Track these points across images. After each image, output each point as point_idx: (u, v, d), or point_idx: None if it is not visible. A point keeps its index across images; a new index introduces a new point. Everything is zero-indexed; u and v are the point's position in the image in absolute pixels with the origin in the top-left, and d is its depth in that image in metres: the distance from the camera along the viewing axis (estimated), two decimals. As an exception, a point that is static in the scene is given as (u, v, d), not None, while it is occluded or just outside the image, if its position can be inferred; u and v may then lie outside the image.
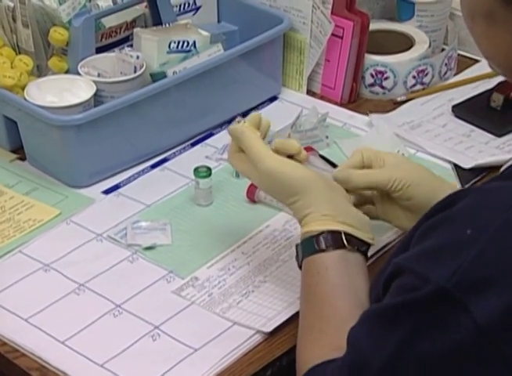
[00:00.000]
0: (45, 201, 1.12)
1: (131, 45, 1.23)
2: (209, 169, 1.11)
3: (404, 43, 1.32)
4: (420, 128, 1.24)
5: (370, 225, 0.92)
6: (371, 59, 1.29)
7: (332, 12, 1.27)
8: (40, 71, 1.22)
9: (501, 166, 1.14)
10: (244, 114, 1.26)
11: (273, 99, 1.30)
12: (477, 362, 0.69)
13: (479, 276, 0.68)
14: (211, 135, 1.24)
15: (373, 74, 1.30)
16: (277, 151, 0.94)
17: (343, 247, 0.88)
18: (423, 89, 1.31)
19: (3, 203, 1.12)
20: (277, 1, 1.30)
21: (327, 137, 1.20)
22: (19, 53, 1.21)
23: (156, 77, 1.19)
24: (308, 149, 1.14)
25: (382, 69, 1.29)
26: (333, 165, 1.04)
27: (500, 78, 1.31)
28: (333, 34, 1.27)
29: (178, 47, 1.20)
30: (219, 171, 1.16)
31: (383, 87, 1.30)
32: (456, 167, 1.16)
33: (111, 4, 1.21)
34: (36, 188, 1.14)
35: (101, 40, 1.23)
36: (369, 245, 0.90)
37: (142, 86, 1.17)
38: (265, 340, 0.93)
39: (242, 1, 1.33)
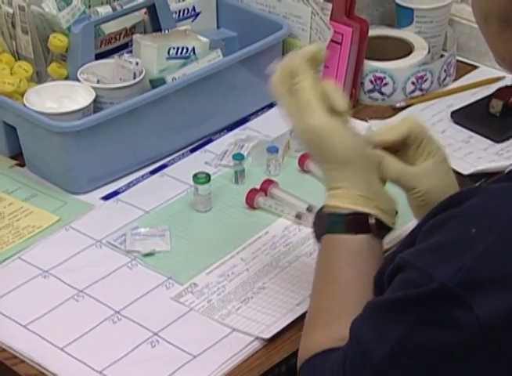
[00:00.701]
0: (45, 207, 1.12)
1: (131, 52, 1.23)
2: (208, 175, 1.11)
3: (403, 49, 1.32)
4: (419, 134, 1.24)
5: (395, 208, 0.88)
6: (370, 65, 1.29)
7: (331, 19, 1.27)
8: (39, 77, 1.22)
9: (500, 172, 1.15)
10: (244, 120, 1.26)
11: (272, 105, 1.30)
12: (477, 360, 0.69)
13: (483, 275, 0.68)
14: (210, 141, 1.24)
15: (373, 80, 1.30)
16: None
17: (369, 231, 0.85)
18: (423, 95, 1.31)
19: (2, 209, 1.12)
20: (276, 8, 1.30)
21: (326, 143, 1.20)
22: (19, 59, 1.21)
23: (155, 83, 1.19)
24: (308, 156, 1.14)
25: (381, 75, 1.29)
26: None
27: (499, 84, 1.31)
28: (332, 41, 1.27)
29: (177, 53, 1.21)
30: (218, 178, 1.16)
31: (382, 93, 1.30)
32: (455, 173, 1.15)
33: (110, 10, 1.21)
34: (35, 194, 1.14)
35: (100, 46, 1.23)
36: (389, 230, 0.88)
37: (141, 92, 1.17)
38: (264, 346, 0.93)
39: (241, 8, 1.33)
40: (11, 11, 1.19)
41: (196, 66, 1.20)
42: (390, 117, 1.28)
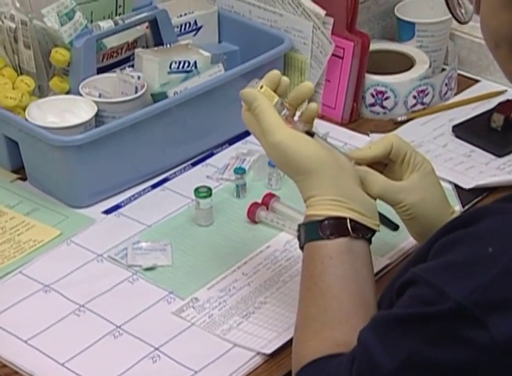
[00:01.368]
0: (46, 222, 1.12)
1: (133, 66, 1.23)
2: (209, 189, 1.11)
3: (404, 63, 1.33)
4: (420, 148, 1.23)
5: (376, 209, 0.90)
6: (372, 79, 1.30)
7: (332, 33, 1.27)
8: (41, 92, 1.22)
9: (501, 187, 1.15)
10: (246, 134, 1.26)
11: (274, 119, 1.30)
12: None
13: (499, 295, 0.68)
14: (212, 154, 1.24)
15: (374, 93, 1.30)
16: (290, 104, 0.91)
17: (347, 234, 0.86)
18: (424, 109, 1.31)
19: (4, 223, 1.12)
20: (278, 22, 1.31)
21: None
22: (21, 74, 1.21)
23: (157, 97, 1.19)
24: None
25: (382, 89, 1.30)
26: None
27: (501, 98, 1.31)
28: (333, 55, 1.28)
29: (179, 67, 1.21)
30: (220, 192, 1.16)
31: (383, 107, 1.31)
32: (457, 187, 1.16)
33: (112, 25, 1.21)
34: (37, 208, 1.14)
35: (102, 60, 1.24)
36: (374, 232, 0.88)
37: (143, 106, 1.17)
38: (265, 362, 0.93)
39: (243, 22, 1.33)
40: (13, 26, 1.19)
41: (197, 81, 1.20)
42: (391, 130, 1.28)
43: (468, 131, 1.25)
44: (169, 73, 1.20)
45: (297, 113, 0.94)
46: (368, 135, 1.26)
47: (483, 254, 0.70)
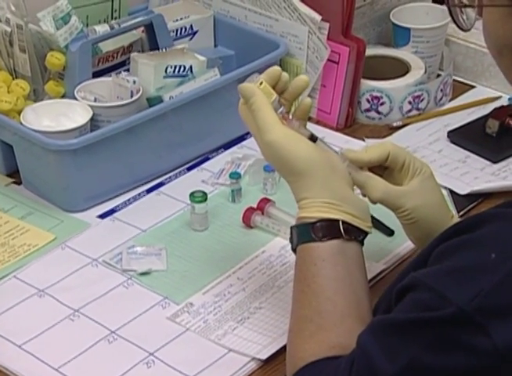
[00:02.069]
0: (41, 226, 1.12)
1: (128, 70, 1.23)
2: (205, 194, 1.10)
3: (400, 69, 1.33)
4: (416, 154, 1.23)
5: (368, 211, 0.89)
6: (367, 84, 1.30)
7: (328, 38, 1.27)
8: (36, 96, 1.22)
9: (496, 192, 1.15)
10: (241, 139, 1.26)
11: (269, 123, 1.30)
12: None
13: (501, 301, 0.68)
14: (207, 159, 1.24)
15: (369, 99, 1.30)
16: (285, 99, 0.90)
17: (340, 236, 0.86)
18: (419, 115, 1.32)
19: (-2, 227, 1.12)
20: (274, 27, 1.31)
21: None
22: (16, 78, 1.21)
23: (152, 101, 1.19)
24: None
25: (378, 94, 1.30)
26: None
27: (496, 104, 1.32)
28: (329, 60, 1.28)
29: (174, 72, 1.21)
30: (215, 196, 1.16)
31: (379, 112, 1.31)
32: (452, 193, 1.16)
33: (108, 29, 1.21)
34: (31, 212, 1.14)
35: (98, 64, 1.23)
36: (366, 234, 0.88)
37: (138, 111, 1.17)
38: (260, 367, 0.93)
39: (238, 26, 1.33)
40: (9, 29, 1.19)
41: (193, 85, 1.20)
42: (386, 136, 1.28)
43: (463, 136, 1.26)
44: (165, 77, 1.20)
45: (292, 109, 0.93)
46: (363, 140, 1.26)
47: (485, 260, 0.70)
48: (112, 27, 1.21)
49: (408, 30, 1.34)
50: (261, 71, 1.23)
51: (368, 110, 1.31)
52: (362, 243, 0.88)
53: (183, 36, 1.32)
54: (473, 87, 1.37)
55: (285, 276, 1.04)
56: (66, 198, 1.15)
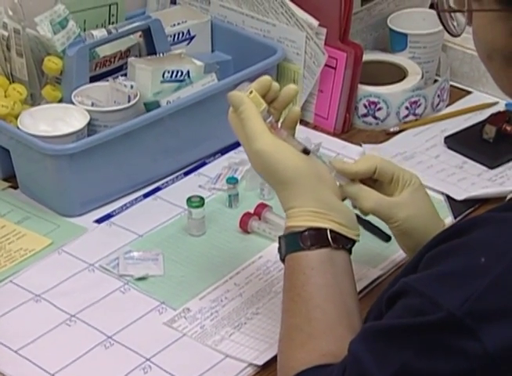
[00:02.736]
0: (37, 230, 1.12)
1: (125, 75, 1.23)
2: (202, 199, 1.10)
3: (397, 74, 1.33)
4: (412, 159, 1.24)
5: (355, 220, 0.90)
6: (364, 89, 1.30)
7: (325, 43, 1.27)
8: (33, 100, 1.22)
9: (493, 198, 1.15)
10: (238, 144, 1.26)
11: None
12: None
13: (491, 305, 0.68)
14: (204, 164, 1.24)
15: (366, 104, 1.30)
16: (275, 108, 0.90)
17: (328, 245, 0.86)
18: (416, 120, 1.32)
19: (-6, 232, 1.12)
20: (271, 32, 1.31)
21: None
22: (13, 82, 1.21)
23: (149, 106, 1.19)
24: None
25: (375, 100, 1.30)
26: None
27: (493, 110, 1.32)
28: (326, 65, 1.28)
29: (171, 76, 1.21)
30: (212, 201, 1.16)
31: (376, 117, 1.31)
32: (449, 198, 1.16)
33: (105, 34, 1.21)
34: (28, 217, 1.14)
35: (95, 69, 1.23)
36: (354, 242, 0.89)
37: (135, 115, 1.17)
38: (257, 373, 0.93)
39: (236, 31, 1.33)
40: (6, 34, 1.19)
41: (190, 90, 1.20)
42: (383, 141, 1.28)
43: (460, 142, 1.26)
44: (162, 82, 1.20)
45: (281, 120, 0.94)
46: (360, 145, 1.27)
47: (475, 265, 0.70)
48: (109, 32, 1.21)
49: (405, 35, 1.35)
50: (257, 77, 1.24)
51: (365, 116, 1.31)
52: (350, 251, 0.89)
53: (180, 41, 1.32)
54: (470, 92, 1.38)
55: (282, 281, 1.02)
56: (63, 203, 1.14)
